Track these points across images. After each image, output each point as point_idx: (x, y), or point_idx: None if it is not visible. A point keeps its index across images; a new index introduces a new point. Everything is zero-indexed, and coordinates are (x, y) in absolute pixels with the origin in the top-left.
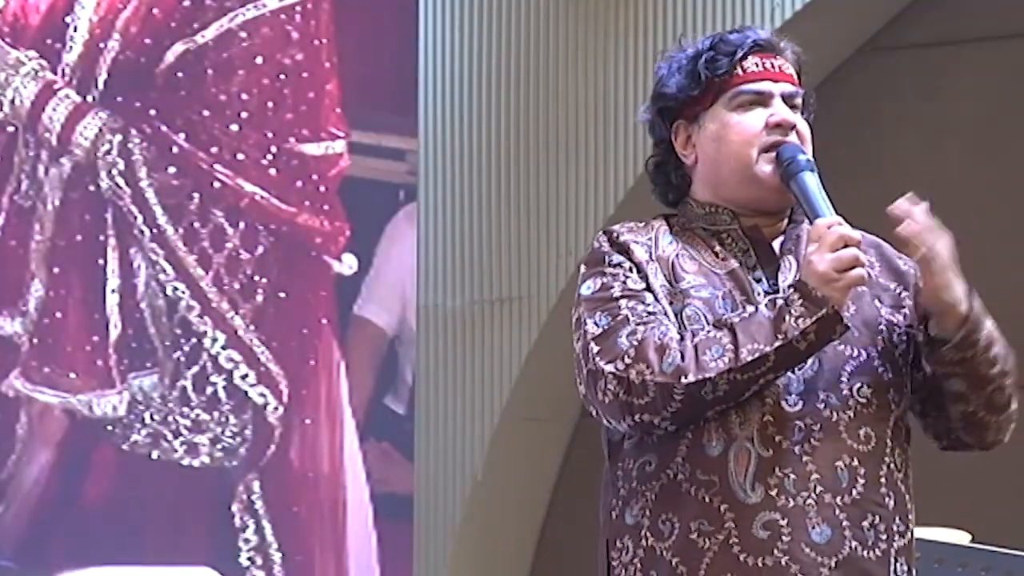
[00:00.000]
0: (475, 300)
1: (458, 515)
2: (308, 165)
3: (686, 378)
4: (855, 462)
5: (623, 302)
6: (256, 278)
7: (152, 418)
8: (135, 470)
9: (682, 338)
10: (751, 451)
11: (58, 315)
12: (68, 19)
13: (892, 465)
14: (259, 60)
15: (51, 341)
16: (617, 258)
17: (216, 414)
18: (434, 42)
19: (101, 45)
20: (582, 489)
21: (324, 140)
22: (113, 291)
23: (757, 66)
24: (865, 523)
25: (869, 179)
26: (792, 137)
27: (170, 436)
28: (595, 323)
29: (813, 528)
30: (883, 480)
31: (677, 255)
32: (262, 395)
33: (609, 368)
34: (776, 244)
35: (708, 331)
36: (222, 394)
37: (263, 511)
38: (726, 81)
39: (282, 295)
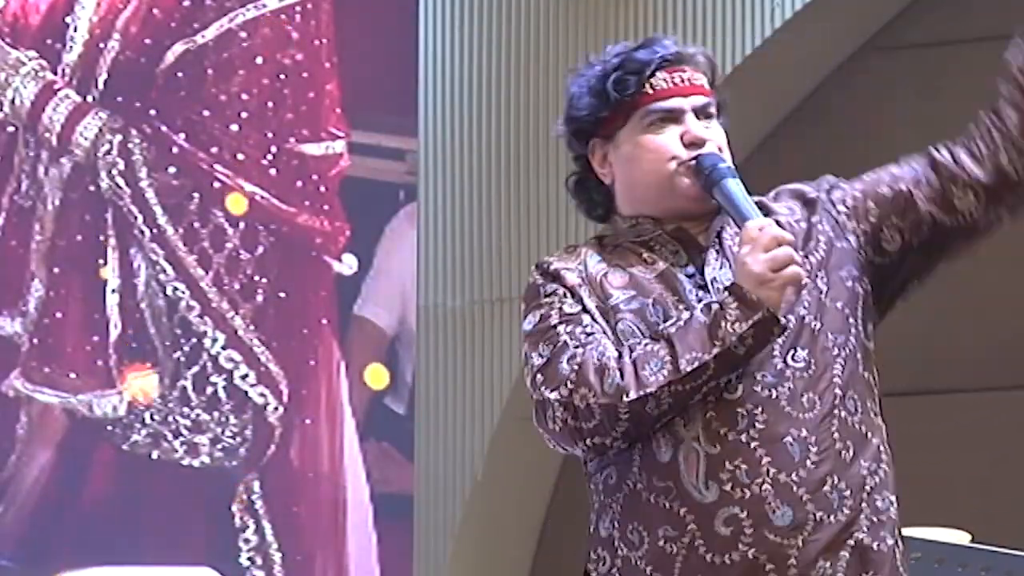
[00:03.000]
0: (475, 300)
1: (458, 515)
2: (308, 165)
3: (628, 396)
4: (804, 432)
5: (561, 327)
6: (256, 278)
7: (152, 418)
8: (135, 470)
9: (620, 356)
10: (699, 450)
11: (58, 315)
12: (68, 19)
13: (844, 414)
14: (259, 60)
15: (51, 341)
16: (551, 287)
17: (216, 414)
18: (434, 42)
19: (101, 45)
20: (582, 489)
21: (324, 140)
22: (113, 291)
23: (666, 82)
24: (826, 488)
25: None
26: (708, 148)
27: (170, 436)
28: (539, 355)
29: (774, 513)
30: (836, 436)
31: (604, 273)
32: (262, 395)
33: (554, 396)
34: (702, 240)
35: (646, 344)
36: (222, 394)
37: (263, 511)
38: (636, 100)
39: (282, 295)
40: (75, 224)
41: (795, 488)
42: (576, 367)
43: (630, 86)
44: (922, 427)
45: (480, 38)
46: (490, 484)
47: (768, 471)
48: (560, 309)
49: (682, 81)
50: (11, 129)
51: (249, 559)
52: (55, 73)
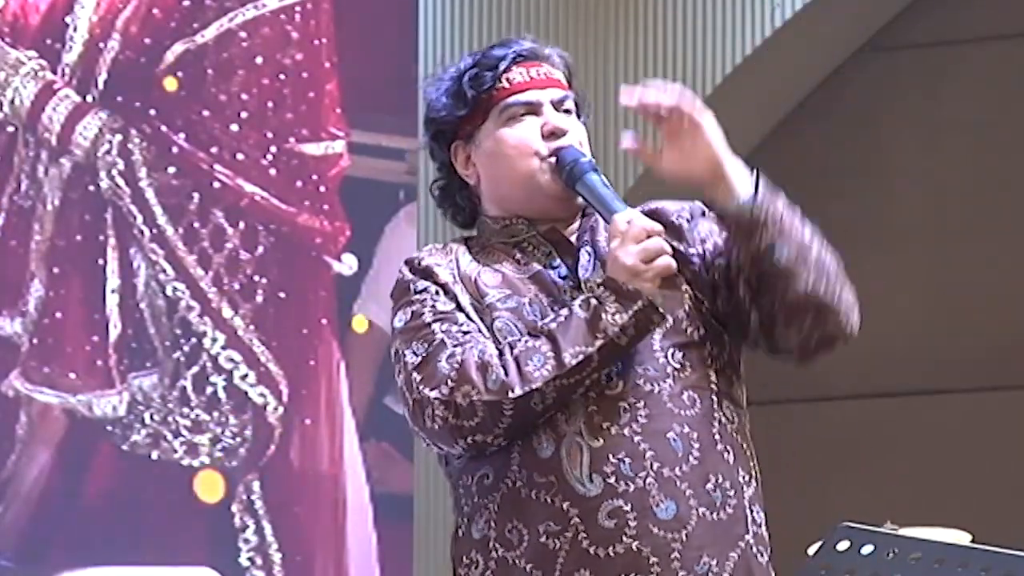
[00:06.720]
0: None
1: None
2: (308, 165)
3: (513, 392)
4: (686, 428)
5: (436, 326)
6: (256, 278)
7: (152, 418)
8: (135, 470)
9: (501, 353)
10: (582, 444)
11: (58, 315)
12: (68, 19)
13: (723, 419)
14: (259, 60)
15: (51, 341)
16: (421, 284)
17: (216, 414)
18: (434, 42)
19: (101, 45)
20: None
21: (324, 140)
22: (113, 291)
23: (522, 76)
24: (709, 486)
25: (869, 179)
26: (567, 140)
27: (170, 436)
28: (413, 352)
29: (657, 506)
30: (717, 437)
31: (479, 273)
32: (262, 395)
33: (434, 394)
34: (574, 240)
35: (526, 341)
36: (222, 394)
37: (263, 511)
38: (493, 96)
39: (282, 295)
40: (75, 224)
41: (678, 483)
42: (457, 365)
43: (486, 82)
44: (922, 427)
45: (480, 38)
46: None
47: (652, 464)
48: (433, 307)
49: (538, 75)
50: (11, 129)
51: (249, 559)
52: (55, 73)
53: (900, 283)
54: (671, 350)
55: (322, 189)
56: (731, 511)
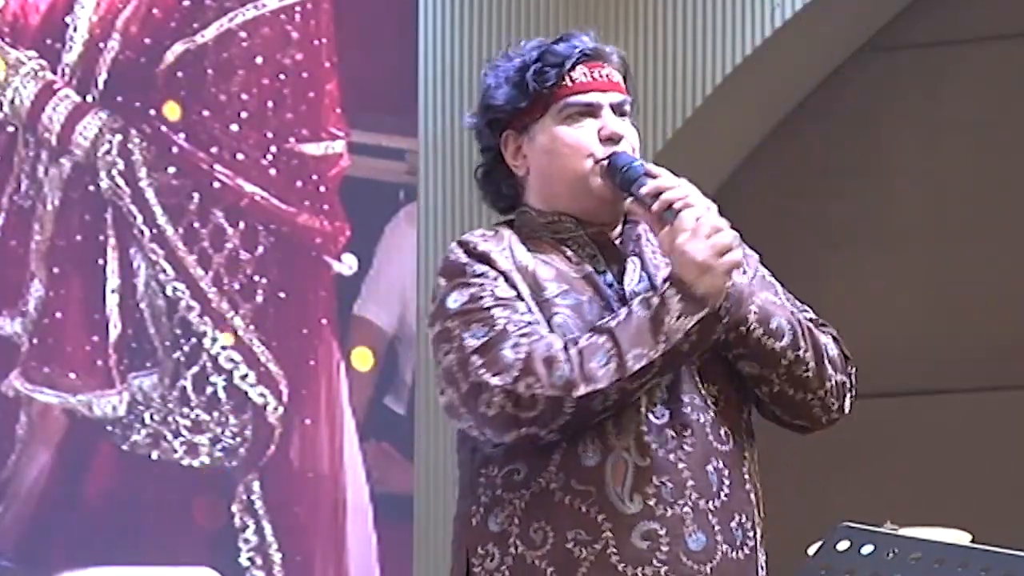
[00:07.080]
0: None
1: None
2: (308, 165)
3: (577, 391)
4: (721, 463)
5: (496, 311)
6: (256, 278)
7: (152, 418)
8: (135, 470)
9: (566, 348)
10: (628, 461)
11: (58, 315)
12: (68, 19)
13: (748, 459)
14: (259, 60)
15: (51, 341)
16: (479, 268)
17: (216, 414)
18: (434, 42)
19: (101, 45)
20: None
21: (324, 140)
22: (113, 291)
23: (585, 76)
24: (733, 524)
25: (869, 179)
26: (623, 146)
27: (170, 436)
28: (472, 336)
29: (690, 536)
30: (746, 477)
31: (535, 266)
32: (262, 395)
33: (496, 381)
34: (618, 244)
35: (589, 336)
36: (222, 394)
37: (263, 511)
38: (554, 93)
39: (282, 295)
40: (75, 224)
41: (710, 516)
42: (523, 355)
43: (550, 78)
44: (922, 427)
45: (480, 38)
46: None
47: (691, 494)
48: (492, 292)
49: (600, 76)
50: (11, 129)
51: (249, 559)
52: (55, 73)
53: (900, 283)
54: (710, 383)
55: (322, 189)
56: (747, 552)
